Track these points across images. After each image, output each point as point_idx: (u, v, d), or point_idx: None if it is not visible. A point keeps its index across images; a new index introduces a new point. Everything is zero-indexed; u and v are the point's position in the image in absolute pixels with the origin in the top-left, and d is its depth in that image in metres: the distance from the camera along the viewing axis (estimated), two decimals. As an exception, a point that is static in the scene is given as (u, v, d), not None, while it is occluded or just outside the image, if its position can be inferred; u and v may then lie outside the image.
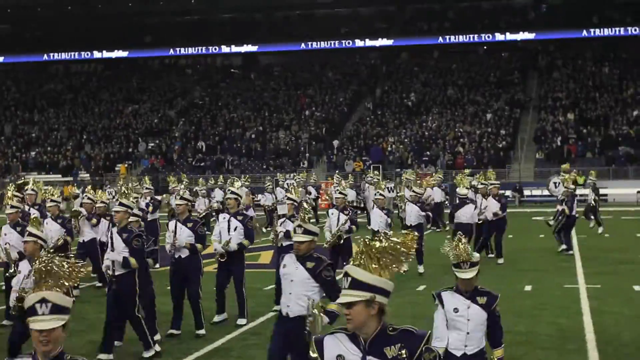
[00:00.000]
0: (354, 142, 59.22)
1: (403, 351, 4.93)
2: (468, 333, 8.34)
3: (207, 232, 15.78)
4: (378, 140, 58.52)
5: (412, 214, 21.00)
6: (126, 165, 60.16)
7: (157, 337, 13.21)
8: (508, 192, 33.33)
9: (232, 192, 15.51)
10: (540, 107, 59.94)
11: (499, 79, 64.43)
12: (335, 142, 59.70)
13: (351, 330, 5.01)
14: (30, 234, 11.67)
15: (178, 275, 14.03)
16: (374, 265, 5.05)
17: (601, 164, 50.02)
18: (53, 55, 75.64)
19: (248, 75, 73.75)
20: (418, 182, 26.70)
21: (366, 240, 5.14)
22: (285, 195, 18.82)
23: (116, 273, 12.38)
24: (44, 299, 5.36)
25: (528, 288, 18.46)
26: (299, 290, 9.03)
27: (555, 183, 26.66)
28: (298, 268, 9.15)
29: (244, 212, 16.10)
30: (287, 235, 16.04)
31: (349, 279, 4.99)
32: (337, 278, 8.60)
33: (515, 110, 59.71)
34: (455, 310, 8.38)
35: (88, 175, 59.61)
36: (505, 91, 62.35)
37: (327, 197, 38.93)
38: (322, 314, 7.81)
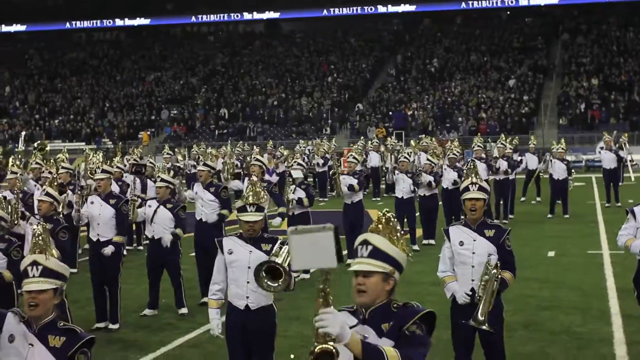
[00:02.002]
0: (377, 109, 59.10)
1: (395, 324, 4.67)
2: (473, 266, 8.33)
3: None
4: (400, 107, 58.34)
5: (406, 185, 19.64)
6: (148, 132, 60.28)
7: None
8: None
9: (205, 164, 15.29)
10: (564, 72, 59.54)
11: (523, 45, 63.96)
12: (359, 105, 59.59)
13: (360, 304, 4.77)
14: (47, 194, 11.86)
15: (155, 257, 13.70)
16: (396, 237, 4.87)
17: (625, 129, 49.69)
18: (75, 24, 75.69)
19: (270, 42, 73.57)
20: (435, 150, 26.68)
21: (387, 211, 5.00)
22: (295, 161, 18.65)
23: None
24: (35, 262, 5.46)
25: (551, 254, 18.49)
26: None
27: (602, 148, 27.57)
28: (253, 252, 8.05)
29: (267, 176, 16.18)
30: (300, 202, 16.08)
31: (369, 247, 4.75)
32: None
33: (539, 76, 59.33)
34: (461, 243, 8.42)
35: (111, 142, 59.78)
36: (528, 57, 61.92)
37: (347, 164, 38.71)
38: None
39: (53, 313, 5.45)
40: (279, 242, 7.96)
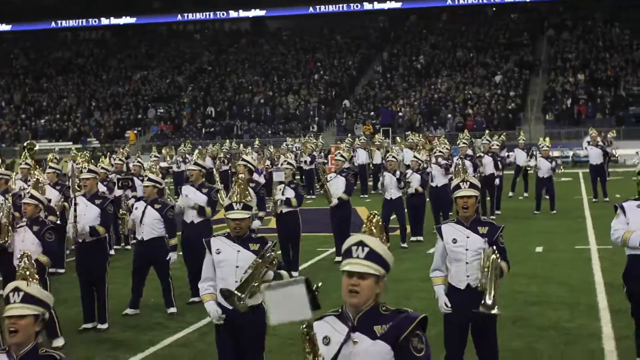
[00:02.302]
0: (363, 106, 59.12)
1: (391, 329, 4.65)
2: (467, 263, 8.40)
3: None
4: (387, 104, 58.38)
5: (392, 184, 19.39)
6: (135, 131, 60.15)
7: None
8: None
9: (196, 164, 15.25)
10: (550, 68, 59.67)
11: (508, 41, 64.06)
12: (346, 102, 59.64)
13: (352, 305, 4.73)
14: (32, 197, 11.85)
15: (142, 257, 13.66)
16: (384, 239, 4.90)
17: (611, 124, 49.82)
18: (61, 23, 75.52)
19: (256, 39, 73.52)
20: (420, 147, 26.71)
21: (375, 213, 5.03)
22: (285, 160, 18.62)
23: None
24: (17, 288, 5.43)
25: (539, 249, 18.54)
26: None
27: (588, 143, 27.76)
28: (240, 251, 8.05)
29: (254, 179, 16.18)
30: (288, 202, 16.07)
31: (366, 249, 4.73)
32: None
33: (525, 72, 59.45)
34: (454, 240, 8.50)
35: (97, 142, 59.63)
36: (514, 53, 62.02)
37: (334, 162, 38.68)
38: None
39: (34, 341, 5.41)
40: (269, 243, 8.03)
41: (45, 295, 5.54)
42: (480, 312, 8.22)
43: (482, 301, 8.16)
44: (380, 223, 4.95)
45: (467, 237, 8.43)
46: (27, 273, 5.62)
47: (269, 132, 57.94)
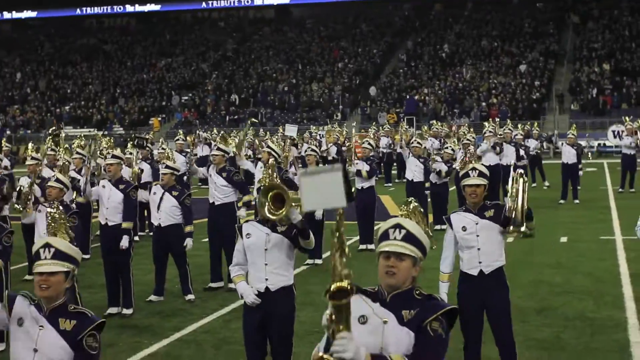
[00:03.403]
0: (388, 94, 59.01)
1: (418, 315, 4.61)
2: (479, 249, 8.44)
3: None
4: (411, 92, 58.24)
5: (417, 169, 19.77)
6: (159, 119, 60.30)
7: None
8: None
9: (219, 149, 15.28)
10: (575, 58, 59.31)
11: (534, 30, 63.70)
12: (372, 88, 59.59)
13: (389, 285, 4.71)
14: (57, 180, 11.97)
15: (161, 244, 13.67)
16: (423, 224, 4.92)
17: (637, 114, 49.45)
18: (86, 10, 75.86)
19: (281, 27, 73.47)
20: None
21: (412, 199, 5.03)
22: (309, 147, 18.59)
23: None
24: (48, 244, 5.44)
25: (564, 239, 18.45)
26: (277, 259, 8.04)
27: (613, 132, 27.52)
28: (269, 234, 8.03)
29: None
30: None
31: (403, 231, 4.74)
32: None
33: (550, 62, 59.12)
34: (464, 228, 8.54)
35: (122, 129, 59.84)
36: (539, 42, 61.67)
37: (361, 150, 38.56)
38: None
39: (64, 297, 5.44)
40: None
41: (75, 252, 5.56)
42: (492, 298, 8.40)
43: (513, 221, 8.29)
44: (419, 209, 4.98)
45: (477, 224, 8.47)
46: (57, 225, 5.74)
47: (293, 119, 57.87)
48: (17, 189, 13.56)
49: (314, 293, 13.00)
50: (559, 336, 10.78)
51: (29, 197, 12.78)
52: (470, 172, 8.63)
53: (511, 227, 8.32)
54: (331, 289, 4.05)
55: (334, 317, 4.11)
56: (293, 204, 7.67)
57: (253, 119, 23.90)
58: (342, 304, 4.06)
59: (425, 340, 4.56)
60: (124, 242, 12.53)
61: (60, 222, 5.85)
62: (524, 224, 8.33)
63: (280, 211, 7.52)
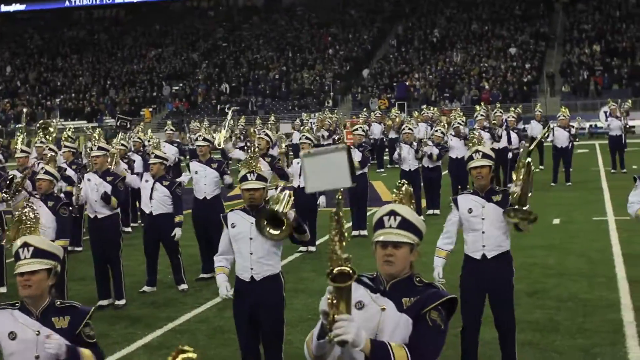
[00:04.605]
0: (378, 80, 58.95)
1: (417, 303, 4.56)
2: (483, 232, 8.45)
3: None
4: (402, 78, 58.18)
5: (410, 156, 19.56)
6: (150, 109, 60.18)
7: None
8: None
9: (204, 139, 15.21)
10: (566, 39, 59.28)
11: (524, 12, 63.63)
12: (365, 72, 59.56)
13: (388, 274, 4.66)
14: (47, 172, 11.93)
15: (152, 233, 13.65)
16: (414, 207, 4.86)
17: (628, 95, 49.46)
18: (75, 2, 75.52)
19: (270, 15, 73.31)
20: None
21: (404, 182, 4.98)
22: (303, 135, 18.53)
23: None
24: (26, 243, 5.35)
25: (557, 221, 18.45)
26: (261, 248, 7.97)
27: (605, 113, 27.60)
28: (254, 223, 7.76)
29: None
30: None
31: (398, 217, 4.68)
32: None
33: (541, 44, 59.09)
34: (470, 210, 8.57)
35: (113, 120, 59.70)
36: (530, 24, 61.63)
37: (351, 137, 38.46)
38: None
39: (49, 295, 5.37)
40: (279, 188, 8.02)
41: (55, 248, 5.49)
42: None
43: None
44: (409, 191, 4.91)
45: (483, 207, 8.48)
46: (32, 224, 5.71)
47: (284, 107, 57.82)
48: (9, 179, 13.52)
49: (307, 280, 13.00)
50: (552, 318, 10.79)
51: (19, 187, 12.77)
52: (474, 154, 8.66)
53: (510, 209, 8.26)
54: (333, 271, 4.03)
55: (334, 300, 4.09)
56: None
57: (233, 107, 23.85)
58: (343, 287, 4.05)
59: (424, 329, 4.53)
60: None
61: (35, 222, 5.78)
62: (516, 212, 8.26)
63: (280, 232, 7.43)
